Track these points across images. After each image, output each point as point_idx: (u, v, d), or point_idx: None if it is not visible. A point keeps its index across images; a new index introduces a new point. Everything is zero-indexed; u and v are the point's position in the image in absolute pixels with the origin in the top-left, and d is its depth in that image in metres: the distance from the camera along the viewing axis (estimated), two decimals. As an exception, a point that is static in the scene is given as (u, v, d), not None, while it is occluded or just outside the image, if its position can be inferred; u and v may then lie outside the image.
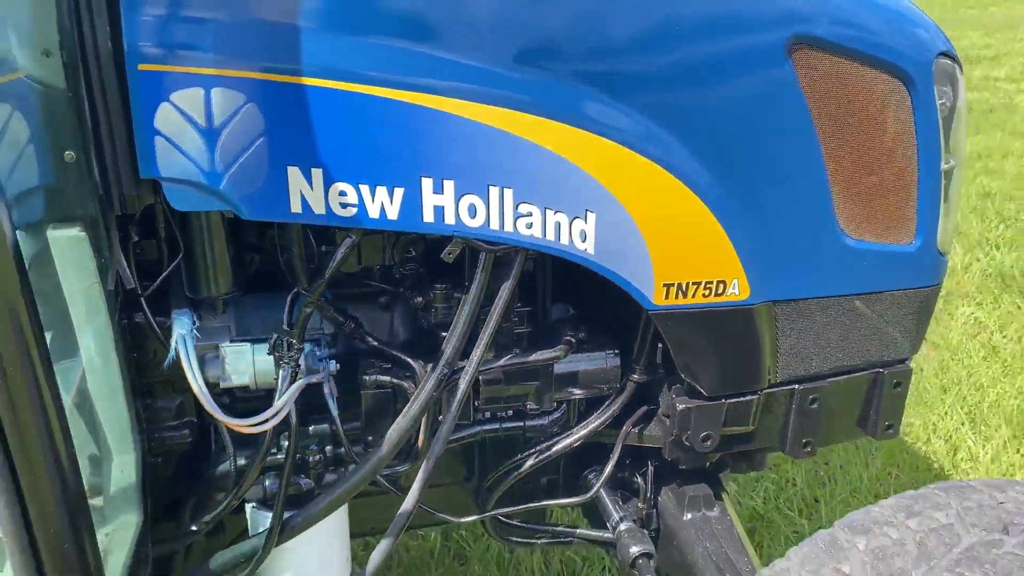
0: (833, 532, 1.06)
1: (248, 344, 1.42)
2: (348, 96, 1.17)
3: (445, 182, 1.23)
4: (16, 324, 0.92)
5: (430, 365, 1.42)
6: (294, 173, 1.18)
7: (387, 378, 1.48)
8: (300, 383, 1.40)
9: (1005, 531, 0.99)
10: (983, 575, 0.91)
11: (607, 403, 1.63)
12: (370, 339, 1.51)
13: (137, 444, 1.40)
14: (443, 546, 2.62)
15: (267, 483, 1.52)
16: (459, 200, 1.24)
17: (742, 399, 1.53)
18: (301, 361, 1.40)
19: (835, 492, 2.91)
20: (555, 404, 1.62)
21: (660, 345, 1.53)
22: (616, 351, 1.60)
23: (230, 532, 1.65)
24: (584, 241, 1.32)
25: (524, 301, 1.55)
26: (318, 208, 1.20)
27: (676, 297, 1.40)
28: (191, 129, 1.13)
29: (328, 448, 1.55)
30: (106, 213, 1.24)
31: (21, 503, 0.98)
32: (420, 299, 1.51)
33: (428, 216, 1.24)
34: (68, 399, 1.17)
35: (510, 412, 1.63)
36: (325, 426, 1.54)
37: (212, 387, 1.39)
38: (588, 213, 1.30)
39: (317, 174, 1.19)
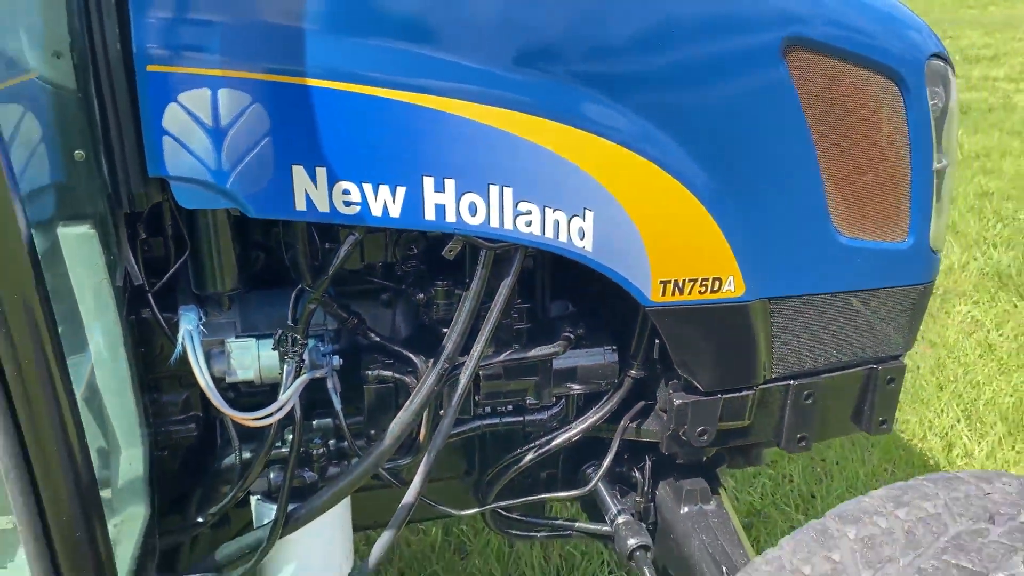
0: (824, 522, 1.09)
1: (253, 340, 1.44)
2: (351, 97, 1.19)
3: (446, 181, 1.25)
4: (32, 320, 0.95)
5: (431, 360, 1.45)
6: (299, 172, 1.20)
7: (389, 373, 1.50)
8: (304, 378, 1.43)
9: (991, 520, 1.01)
10: (969, 562, 0.94)
11: (605, 398, 1.65)
12: (373, 335, 1.53)
13: (144, 438, 1.42)
14: (444, 540, 2.65)
15: (272, 476, 1.54)
16: (460, 198, 1.27)
17: (738, 394, 1.56)
18: (305, 356, 1.42)
19: (831, 488, 2.94)
20: (554, 399, 1.65)
21: (657, 341, 1.56)
22: (614, 347, 1.62)
23: (235, 525, 1.67)
24: (582, 239, 1.34)
25: (524, 298, 1.58)
26: (322, 206, 1.23)
27: (673, 294, 1.42)
28: (198, 129, 1.15)
29: (331, 442, 1.58)
30: (115, 211, 1.27)
31: (35, 493, 1.01)
32: (421, 296, 1.54)
33: (429, 214, 1.26)
34: (78, 393, 1.19)
35: (510, 407, 1.65)
36: (328, 420, 1.56)
37: (218, 382, 1.41)
38: (586, 211, 1.33)
39: (321, 173, 1.21)
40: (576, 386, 1.63)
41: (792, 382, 1.59)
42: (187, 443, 1.55)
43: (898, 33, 1.49)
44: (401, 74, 1.20)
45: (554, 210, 1.31)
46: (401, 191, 1.24)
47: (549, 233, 1.33)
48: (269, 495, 1.54)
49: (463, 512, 1.79)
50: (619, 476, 1.84)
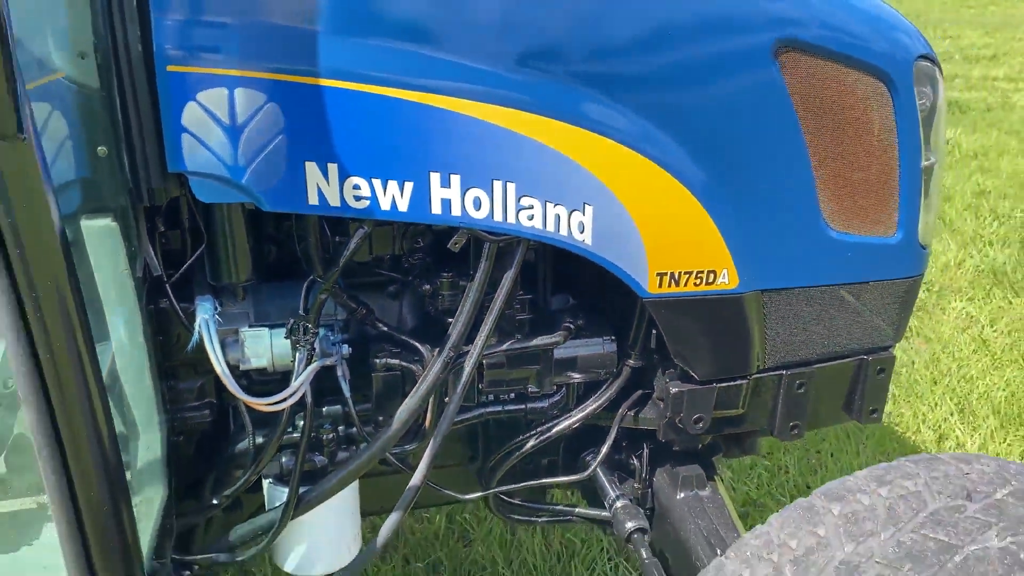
0: (811, 500, 1.15)
1: (266, 329, 1.48)
2: (362, 96, 1.24)
3: (452, 176, 1.30)
4: (64, 307, 1.00)
5: (437, 349, 1.49)
6: (311, 168, 1.25)
7: (396, 361, 1.55)
8: (315, 365, 1.47)
9: (968, 498, 1.07)
10: (945, 536, 1.00)
11: (604, 387, 1.70)
12: (380, 325, 1.58)
13: (162, 423, 1.47)
14: (447, 528, 2.70)
15: (283, 460, 1.59)
16: (465, 193, 1.31)
17: (732, 383, 1.60)
18: (316, 345, 1.47)
19: (826, 478, 2.99)
20: (555, 387, 1.70)
21: (654, 332, 1.59)
22: (612, 337, 1.67)
23: (248, 507, 1.72)
24: (582, 232, 1.39)
25: (526, 289, 1.62)
26: (334, 201, 1.27)
27: (669, 286, 1.47)
28: (216, 126, 1.20)
29: (341, 427, 1.62)
30: (135, 205, 1.31)
31: (66, 472, 1.06)
32: (428, 287, 1.58)
33: (436, 208, 1.31)
34: (101, 379, 1.24)
35: (512, 395, 1.70)
36: (338, 407, 1.61)
37: (232, 369, 1.44)
38: (586, 206, 1.38)
39: (333, 169, 1.25)
40: (576, 375, 1.67)
41: (785, 372, 1.63)
42: (202, 428, 1.60)
43: (887, 35, 1.54)
44: (409, 75, 1.25)
45: (555, 205, 1.36)
46: (409, 186, 1.29)
47: (550, 227, 1.37)
48: (281, 478, 1.59)
49: (467, 497, 1.83)
50: (618, 463, 1.88)
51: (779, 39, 1.41)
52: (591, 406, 1.70)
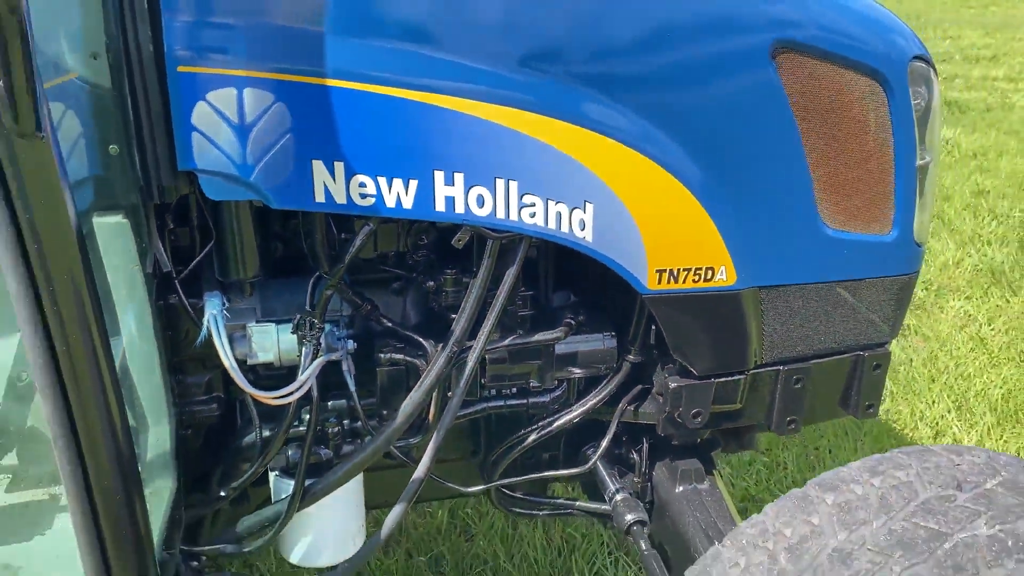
0: (805, 490, 1.18)
1: (273, 324, 1.51)
2: (368, 96, 1.26)
3: (456, 175, 1.33)
4: (79, 300, 1.03)
5: (440, 344, 1.52)
6: (318, 166, 1.27)
7: (401, 356, 1.58)
8: (321, 360, 1.50)
9: (959, 488, 1.10)
10: (936, 524, 1.03)
11: (604, 382, 1.73)
12: (385, 320, 1.60)
13: (171, 417, 1.49)
14: (450, 523, 2.73)
15: (289, 453, 1.61)
16: (468, 191, 1.33)
17: (730, 379, 1.62)
18: (322, 340, 1.50)
19: (824, 475, 3.02)
20: (556, 382, 1.72)
21: (654, 327, 1.62)
22: (613, 333, 1.69)
23: (254, 499, 1.74)
24: (583, 230, 1.42)
25: (527, 286, 1.64)
26: (340, 198, 1.29)
27: (668, 282, 1.49)
28: (225, 126, 1.22)
29: (346, 421, 1.65)
30: (146, 202, 1.33)
31: (82, 463, 1.09)
32: (431, 283, 1.61)
33: (440, 206, 1.33)
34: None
35: (514, 390, 1.72)
36: (343, 401, 1.63)
37: (239, 364, 1.47)
38: (587, 204, 1.41)
39: (339, 167, 1.28)
40: (577, 370, 1.70)
41: (782, 367, 1.66)
42: (209, 422, 1.62)
43: (882, 36, 1.56)
44: (414, 75, 1.27)
45: (556, 203, 1.39)
46: (413, 184, 1.31)
47: (552, 224, 1.40)
48: (287, 471, 1.62)
49: (469, 490, 1.86)
50: (617, 457, 1.91)
51: (777, 40, 1.43)
52: (591, 401, 1.73)
